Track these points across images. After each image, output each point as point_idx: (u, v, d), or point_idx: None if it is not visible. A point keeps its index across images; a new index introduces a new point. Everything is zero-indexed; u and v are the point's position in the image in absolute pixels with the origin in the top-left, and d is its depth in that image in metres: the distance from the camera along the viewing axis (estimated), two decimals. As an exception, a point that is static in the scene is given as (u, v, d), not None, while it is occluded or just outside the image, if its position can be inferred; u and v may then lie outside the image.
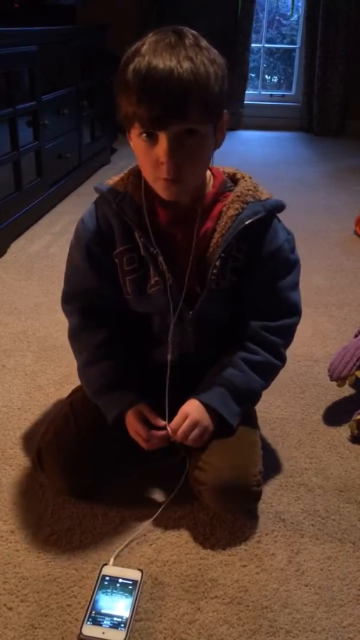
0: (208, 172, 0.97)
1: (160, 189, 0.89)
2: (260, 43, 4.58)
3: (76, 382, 1.10)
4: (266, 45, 4.62)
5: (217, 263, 0.94)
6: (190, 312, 0.98)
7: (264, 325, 1.01)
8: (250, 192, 0.96)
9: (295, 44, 4.56)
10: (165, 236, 0.96)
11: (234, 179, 1.00)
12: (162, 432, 0.96)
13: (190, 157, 0.85)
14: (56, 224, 2.41)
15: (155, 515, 0.99)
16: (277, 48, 4.73)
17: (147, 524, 0.99)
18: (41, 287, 1.85)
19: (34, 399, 1.31)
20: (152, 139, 0.84)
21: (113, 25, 3.30)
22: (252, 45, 4.28)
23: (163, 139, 0.83)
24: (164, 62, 0.79)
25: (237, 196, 0.95)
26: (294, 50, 4.57)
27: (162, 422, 0.97)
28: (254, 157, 3.59)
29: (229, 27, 4.05)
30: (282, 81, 4.82)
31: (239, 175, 1.00)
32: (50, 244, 2.21)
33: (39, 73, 2.28)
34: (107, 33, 3.26)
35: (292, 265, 1.02)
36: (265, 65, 4.69)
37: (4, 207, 2.09)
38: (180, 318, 0.98)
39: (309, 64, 4.20)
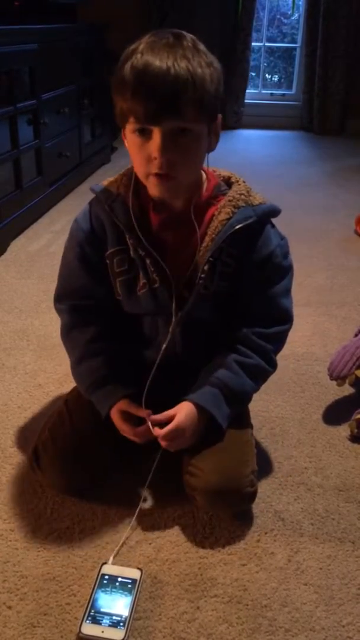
0: (203, 175, 0.97)
1: (151, 185, 0.89)
2: (261, 42, 4.57)
3: (76, 380, 1.10)
4: (267, 44, 4.62)
5: (206, 267, 0.94)
6: (179, 315, 0.98)
7: (256, 331, 1.00)
8: (242, 197, 0.95)
9: (295, 42, 4.55)
10: (156, 239, 0.96)
11: (228, 183, 1.00)
12: (145, 426, 0.95)
13: (183, 154, 0.85)
14: (56, 222, 2.41)
15: (139, 506, 0.99)
16: (277, 47, 4.72)
17: (145, 522, 0.99)
18: (41, 285, 1.85)
19: (34, 398, 1.31)
20: (145, 135, 0.84)
21: (114, 23, 3.30)
22: (253, 44, 4.28)
23: (157, 135, 0.83)
24: (161, 60, 0.80)
25: (229, 200, 0.95)
26: (294, 49, 4.57)
27: (144, 413, 0.95)
28: (254, 156, 3.59)
29: (230, 26, 4.05)
30: (282, 80, 4.82)
31: (233, 179, 1.00)
32: (50, 242, 2.21)
33: (39, 71, 2.27)
34: (107, 31, 3.26)
35: (284, 271, 1.02)
36: (265, 64, 4.69)
37: (4, 205, 2.09)
38: (169, 320, 0.98)
39: (309, 63, 4.19)
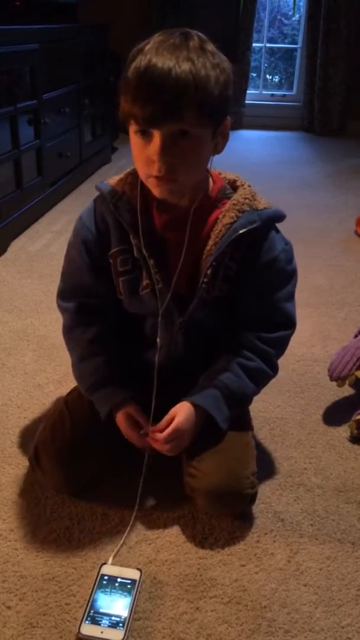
0: (208, 177, 0.97)
1: (152, 186, 0.89)
2: (262, 42, 4.57)
3: (75, 381, 1.10)
4: (267, 44, 4.62)
5: (209, 271, 0.94)
6: (181, 317, 0.98)
7: (259, 335, 1.00)
8: (247, 201, 0.94)
9: (296, 43, 4.55)
10: (159, 239, 0.96)
11: (234, 186, 0.99)
12: (143, 432, 0.97)
13: (183, 158, 0.84)
14: (57, 222, 2.41)
15: (136, 507, 0.99)
16: (278, 48, 4.73)
17: (145, 522, 0.99)
18: (41, 285, 1.85)
19: (34, 398, 1.31)
20: (146, 137, 0.84)
21: (115, 23, 3.30)
22: (254, 44, 4.28)
23: (157, 138, 0.82)
24: (163, 61, 0.79)
25: (234, 204, 0.94)
26: (295, 49, 4.57)
27: (147, 427, 0.97)
28: (255, 156, 3.59)
29: (231, 26, 4.04)
30: (283, 81, 4.82)
31: (238, 183, 0.99)
32: (50, 242, 2.21)
33: (40, 71, 2.27)
34: (108, 31, 3.26)
35: (288, 276, 1.01)
36: (266, 64, 4.69)
37: (5, 205, 2.09)
38: (171, 322, 0.98)
39: (310, 64, 4.19)
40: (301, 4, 4.35)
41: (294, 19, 4.57)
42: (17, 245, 2.16)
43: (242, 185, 0.98)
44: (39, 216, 2.43)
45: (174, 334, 0.99)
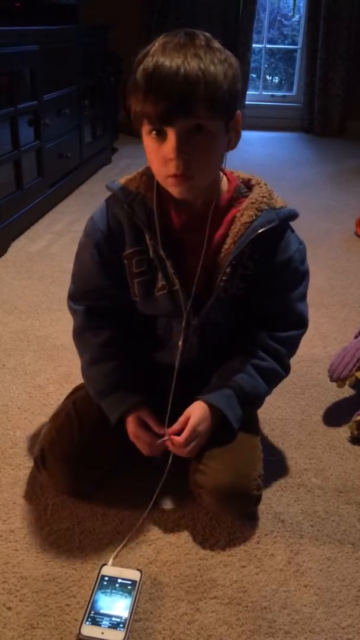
0: (223, 177, 0.97)
1: (170, 186, 0.88)
2: (262, 43, 4.58)
3: (76, 381, 1.10)
4: (267, 45, 4.63)
5: (228, 270, 0.93)
6: (196, 318, 0.97)
7: (272, 335, 1.01)
8: (265, 200, 0.94)
9: (296, 44, 4.56)
10: (176, 240, 0.95)
11: (248, 185, 0.99)
12: (161, 441, 0.96)
13: (199, 153, 0.84)
14: (57, 223, 2.41)
15: (148, 509, 0.99)
16: (278, 48, 4.73)
17: (145, 523, 0.99)
18: (41, 286, 1.85)
19: (34, 399, 1.31)
20: (161, 136, 0.84)
21: (115, 24, 3.30)
22: (254, 45, 4.29)
23: (171, 136, 0.82)
24: (171, 60, 0.79)
25: (252, 203, 0.94)
26: (295, 50, 4.57)
27: (162, 431, 0.96)
28: (255, 157, 3.59)
29: (231, 27, 4.05)
30: (283, 82, 4.82)
31: (253, 181, 0.99)
32: (50, 243, 2.21)
33: (40, 72, 2.28)
34: (108, 32, 3.26)
35: (302, 276, 1.02)
36: (266, 65, 4.70)
37: (5, 206, 2.09)
38: (186, 322, 0.98)
39: (310, 65, 4.20)
40: (301, 4, 4.36)
41: (294, 19, 4.58)
42: (17, 246, 2.16)
43: (258, 183, 0.98)
44: (39, 217, 2.43)
45: (189, 335, 0.99)
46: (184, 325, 0.98)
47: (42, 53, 2.27)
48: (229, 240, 0.94)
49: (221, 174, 0.96)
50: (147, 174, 0.95)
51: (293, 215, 0.97)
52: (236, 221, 0.94)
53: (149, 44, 0.84)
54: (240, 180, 1.00)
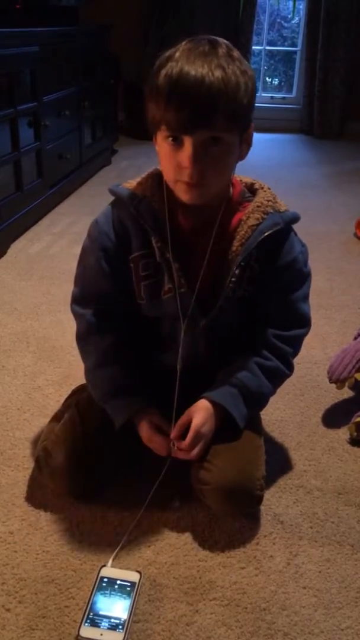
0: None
1: (180, 191, 0.89)
2: (261, 45, 4.58)
3: (75, 382, 1.10)
4: (267, 47, 4.63)
5: (237, 272, 0.94)
6: (203, 319, 0.98)
7: (276, 333, 1.02)
8: (270, 203, 0.96)
9: (296, 46, 4.57)
10: (182, 243, 0.96)
11: (251, 189, 1.00)
12: (168, 445, 0.96)
13: (214, 164, 0.85)
14: (56, 224, 2.41)
15: (143, 509, 0.99)
16: (278, 50, 4.74)
17: (144, 525, 0.99)
18: (41, 287, 1.85)
19: (33, 400, 1.31)
20: (177, 143, 0.84)
21: (115, 26, 3.30)
22: (253, 47, 4.29)
23: (188, 145, 0.83)
24: (196, 69, 0.80)
25: (257, 206, 0.95)
26: (294, 52, 4.58)
27: (171, 434, 0.97)
28: (255, 159, 3.58)
29: (230, 29, 4.05)
30: (282, 83, 4.83)
31: (257, 186, 1.00)
32: (50, 244, 2.21)
33: (40, 74, 2.28)
34: (108, 34, 3.27)
35: (304, 277, 1.04)
36: (266, 67, 4.71)
37: (5, 207, 2.09)
38: (193, 325, 0.98)
39: (309, 67, 4.20)
40: (300, 7, 4.36)
41: (293, 21, 4.59)
42: (17, 247, 2.16)
43: (262, 187, 1.00)
44: (38, 218, 2.43)
45: (196, 337, 1.00)
46: (191, 327, 0.98)
47: (42, 54, 2.27)
48: (236, 243, 0.95)
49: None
50: (153, 177, 0.96)
51: (296, 219, 0.99)
52: (243, 224, 0.95)
53: (172, 49, 0.84)
54: (244, 184, 1.01)
